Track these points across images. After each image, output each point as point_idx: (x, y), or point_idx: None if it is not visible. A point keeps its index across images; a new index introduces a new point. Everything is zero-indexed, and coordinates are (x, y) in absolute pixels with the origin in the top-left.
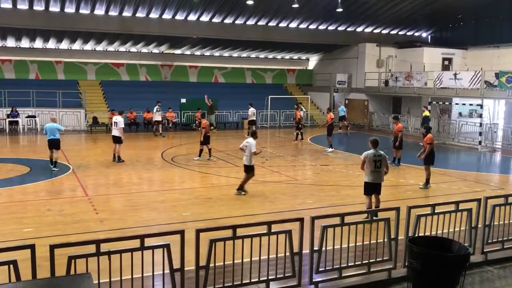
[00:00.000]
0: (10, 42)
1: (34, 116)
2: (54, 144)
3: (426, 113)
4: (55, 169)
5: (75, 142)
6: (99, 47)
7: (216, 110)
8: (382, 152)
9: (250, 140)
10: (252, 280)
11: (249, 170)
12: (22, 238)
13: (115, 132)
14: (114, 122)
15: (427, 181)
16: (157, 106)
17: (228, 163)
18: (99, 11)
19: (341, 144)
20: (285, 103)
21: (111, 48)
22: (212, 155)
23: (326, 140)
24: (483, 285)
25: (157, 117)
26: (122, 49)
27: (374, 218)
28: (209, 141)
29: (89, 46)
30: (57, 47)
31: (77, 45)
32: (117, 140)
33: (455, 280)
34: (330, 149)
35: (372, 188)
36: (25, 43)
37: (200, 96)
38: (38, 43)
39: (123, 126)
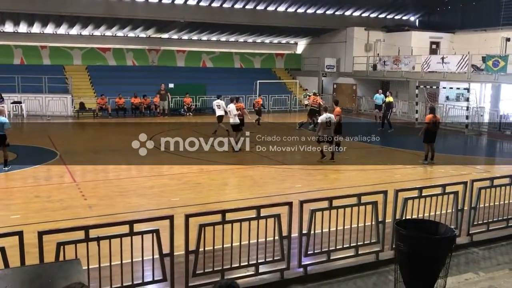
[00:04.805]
0: None
1: (19, 102)
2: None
3: (389, 98)
4: (6, 168)
5: (62, 128)
6: (85, 32)
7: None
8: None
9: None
10: (242, 264)
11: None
12: (10, 225)
13: None
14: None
15: (425, 157)
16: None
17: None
18: None
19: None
20: (274, 88)
21: (97, 33)
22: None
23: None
24: (469, 266)
25: None
26: (108, 33)
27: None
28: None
29: (74, 31)
30: (42, 32)
31: (62, 30)
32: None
33: (441, 262)
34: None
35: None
36: (8, 27)
37: (189, 81)
38: (23, 28)
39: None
